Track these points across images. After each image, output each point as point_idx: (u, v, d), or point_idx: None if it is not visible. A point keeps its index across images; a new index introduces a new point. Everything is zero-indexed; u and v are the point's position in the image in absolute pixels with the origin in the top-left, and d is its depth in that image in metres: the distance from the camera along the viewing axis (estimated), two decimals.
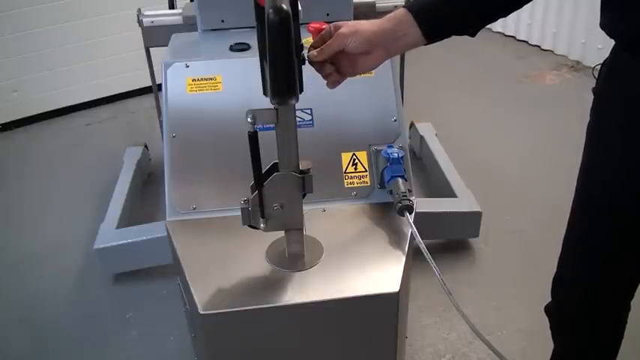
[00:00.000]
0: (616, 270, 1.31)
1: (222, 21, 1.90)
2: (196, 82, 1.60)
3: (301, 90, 1.18)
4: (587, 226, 1.33)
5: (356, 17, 1.95)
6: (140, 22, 2.37)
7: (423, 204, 2.32)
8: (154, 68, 2.52)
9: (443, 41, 1.19)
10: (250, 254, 1.37)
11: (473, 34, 1.15)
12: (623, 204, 1.22)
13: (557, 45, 4.36)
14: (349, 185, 1.55)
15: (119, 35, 3.74)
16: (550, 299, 1.49)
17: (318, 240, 1.40)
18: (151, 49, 2.46)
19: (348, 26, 1.12)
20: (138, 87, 3.95)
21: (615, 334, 1.45)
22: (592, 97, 1.24)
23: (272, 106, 1.15)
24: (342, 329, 1.31)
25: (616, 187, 1.22)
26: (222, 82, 1.61)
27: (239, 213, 1.26)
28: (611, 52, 1.15)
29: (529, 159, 3.12)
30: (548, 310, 1.50)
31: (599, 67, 1.21)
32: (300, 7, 1.12)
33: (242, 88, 1.59)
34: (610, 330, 1.44)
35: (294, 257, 1.35)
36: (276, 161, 1.23)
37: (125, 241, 2.28)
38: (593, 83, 1.24)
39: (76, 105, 3.88)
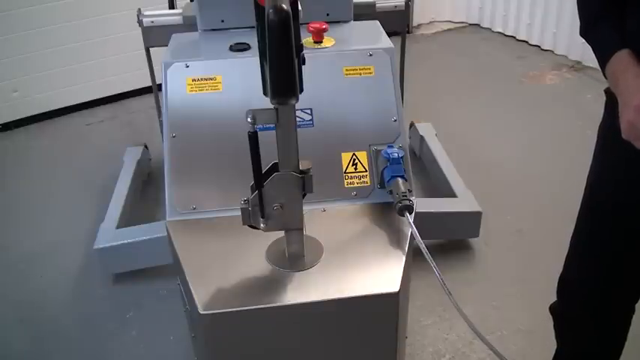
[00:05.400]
0: (621, 273, 1.31)
1: (222, 21, 1.89)
2: (196, 82, 1.60)
3: (301, 90, 1.18)
4: (593, 227, 1.33)
5: (356, 17, 1.95)
6: (140, 22, 2.37)
7: (423, 204, 2.32)
8: (154, 68, 2.52)
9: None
10: (250, 254, 1.37)
11: None
12: (630, 206, 1.22)
13: (557, 45, 4.36)
14: (349, 185, 1.55)
15: (119, 35, 3.74)
16: (553, 299, 1.49)
17: (318, 240, 1.40)
18: (151, 49, 2.46)
19: None
20: (138, 87, 3.95)
21: (618, 335, 1.45)
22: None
23: (272, 106, 1.15)
24: (342, 329, 1.31)
25: (624, 188, 1.22)
26: (222, 82, 1.60)
27: (239, 213, 1.26)
28: None
29: (529, 159, 3.12)
30: (553, 309, 1.50)
31: None
32: (300, 7, 1.12)
33: (242, 88, 1.59)
34: (613, 331, 1.44)
35: (294, 257, 1.35)
36: (276, 161, 1.23)
37: (125, 241, 2.28)
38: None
39: (76, 105, 3.88)
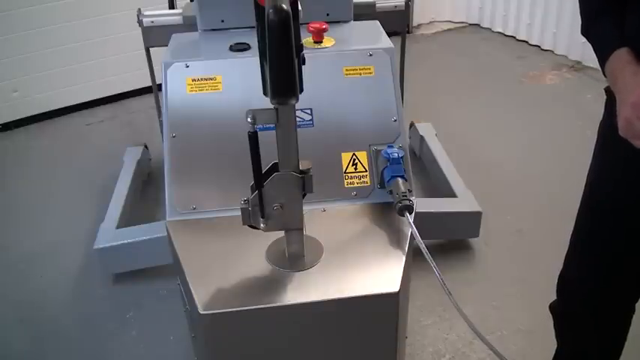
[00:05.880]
0: (620, 272, 1.31)
1: (222, 21, 1.89)
2: (196, 82, 1.60)
3: (301, 90, 1.18)
4: (594, 227, 1.33)
5: (356, 17, 1.95)
6: (140, 22, 2.37)
7: (423, 204, 2.32)
8: (154, 68, 2.52)
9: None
10: (250, 254, 1.37)
11: None
12: (629, 205, 1.22)
13: (557, 45, 4.36)
14: (349, 185, 1.55)
15: (119, 35, 3.74)
16: (553, 298, 1.49)
17: (318, 240, 1.40)
18: (151, 49, 2.46)
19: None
20: (138, 87, 3.95)
21: (618, 335, 1.45)
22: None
23: (272, 106, 1.15)
24: (342, 329, 1.31)
25: (623, 187, 1.22)
26: (222, 82, 1.60)
27: (239, 213, 1.26)
28: None
29: (529, 159, 3.12)
30: (553, 308, 1.50)
31: None
32: (300, 7, 1.12)
33: (242, 88, 1.59)
34: (613, 330, 1.44)
35: (294, 257, 1.35)
36: (276, 161, 1.23)
37: (125, 241, 2.28)
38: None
39: (76, 105, 3.88)
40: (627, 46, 1.08)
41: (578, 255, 1.39)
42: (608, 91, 1.18)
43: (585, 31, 1.21)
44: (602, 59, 1.12)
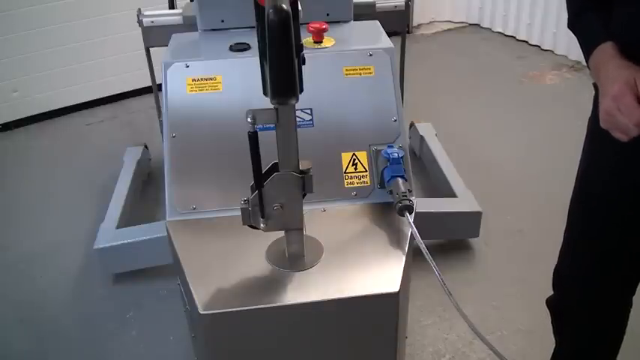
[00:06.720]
0: (614, 266, 1.31)
1: (222, 21, 1.90)
2: (196, 82, 1.60)
3: (301, 90, 1.18)
4: (585, 221, 1.33)
5: (356, 17, 1.95)
6: (140, 22, 2.37)
7: (423, 204, 2.32)
8: (154, 68, 2.52)
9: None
10: (250, 254, 1.37)
11: None
12: (621, 198, 1.22)
13: (557, 45, 4.36)
14: (349, 185, 1.55)
15: (119, 35, 3.74)
16: (551, 293, 1.49)
17: (318, 240, 1.40)
18: (151, 49, 2.46)
19: None
20: (138, 87, 3.95)
21: (616, 329, 1.45)
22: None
23: (272, 106, 1.15)
24: (342, 329, 1.31)
25: (614, 180, 1.22)
26: (222, 82, 1.60)
27: (239, 213, 1.26)
28: None
29: (529, 159, 3.12)
30: (550, 303, 1.50)
31: None
32: (300, 7, 1.12)
33: (242, 88, 1.59)
34: (610, 325, 1.44)
35: (294, 257, 1.35)
36: (276, 161, 1.23)
37: (125, 241, 2.28)
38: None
39: (76, 105, 3.88)
40: (612, 41, 1.09)
41: (571, 250, 1.39)
42: (597, 86, 1.19)
43: (571, 25, 1.22)
44: (587, 53, 1.13)
